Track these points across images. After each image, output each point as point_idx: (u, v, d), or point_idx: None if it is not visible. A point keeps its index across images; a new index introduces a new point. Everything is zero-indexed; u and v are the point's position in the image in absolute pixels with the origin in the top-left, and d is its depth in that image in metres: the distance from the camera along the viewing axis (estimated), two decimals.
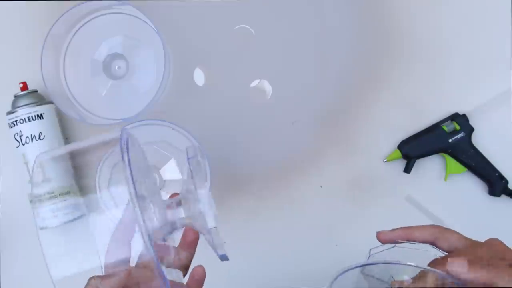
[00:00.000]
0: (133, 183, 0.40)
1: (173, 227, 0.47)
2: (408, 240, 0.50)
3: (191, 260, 0.49)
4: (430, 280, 0.45)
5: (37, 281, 0.72)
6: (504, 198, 0.72)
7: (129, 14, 0.69)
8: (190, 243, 0.49)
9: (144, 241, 0.40)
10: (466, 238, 0.49)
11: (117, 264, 0.44)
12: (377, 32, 0.73)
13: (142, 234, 0.40)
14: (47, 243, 0.44)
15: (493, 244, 0.47)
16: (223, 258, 0.45)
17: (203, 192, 0.44)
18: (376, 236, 0.51)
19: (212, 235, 0.43)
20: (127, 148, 0.42)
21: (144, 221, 0.40)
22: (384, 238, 0.51)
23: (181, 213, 0.46)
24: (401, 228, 0.50)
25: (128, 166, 0.40)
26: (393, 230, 0.51)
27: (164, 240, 0.47)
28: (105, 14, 0.69)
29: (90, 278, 0.44)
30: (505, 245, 0.47)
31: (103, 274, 0.44)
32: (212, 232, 0.43)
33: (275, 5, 0.72)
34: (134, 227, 0.43)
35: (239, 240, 0.70)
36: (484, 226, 0.71)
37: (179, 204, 0.47)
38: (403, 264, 0.47)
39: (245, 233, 0.72)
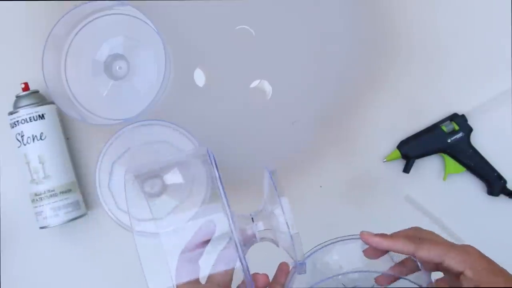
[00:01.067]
0: (226, 199, 0.44)
1: (252, 241, 0.49)
2: (391, 250, 0.50)
3: None
4: None
5: (37, 281, 0.73)
6: (502, 197, 0.72)
7: (129, 15, 0.69)
8: None
9: (239, 256, 0.44)
10: (441, 245, 0.48)
11: (187, 283, 0.46)
12: (376, 32, 0.73)
13: (237, 246, 0.43)
14: (145, 255, 0.45)
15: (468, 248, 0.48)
16: (302, 267, 0.47)
17: (285, 200, 0.45)
18: (360, 235, 0.51)
19: (294, 241, 0.45)
20: (216, 165, 0.45)
21: (238, 240, 0.44)
22: (367, 240, 0.51)
23: (259, 226, 0.48)
24: (383, 236, 0.50)
25: (221, 184, 0.44)
26: (376, 235, 0.50)
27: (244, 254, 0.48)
28: (106, 15, 0.69)
29: None
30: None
31: None
32: (295, 238, 0.45)
33: (275, 6, 0.73)
34: (203, 246, 0.46)
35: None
36: (482, 225, 0.72)
37: (257, 217, 0.49)
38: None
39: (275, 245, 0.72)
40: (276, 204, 0.46)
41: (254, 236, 0.49)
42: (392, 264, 0.52)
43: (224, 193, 0.44)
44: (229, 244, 0.46)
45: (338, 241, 0.53)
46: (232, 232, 0.44)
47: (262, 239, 0.49)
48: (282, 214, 0.46)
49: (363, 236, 0.51)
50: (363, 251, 0.52)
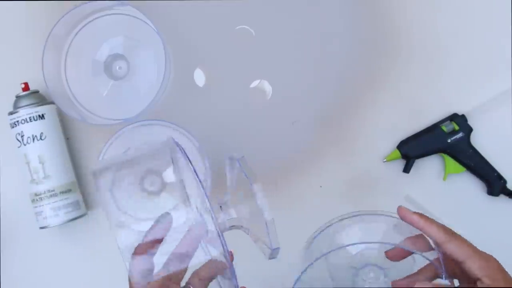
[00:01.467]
0: (203, 189, 0.43)
1: (222, 229, 0.48)
2: (424, 232, 0.50)
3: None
4: None
5: (37, 281, 0.73)
6: (502, 197, 0.72)
7: (129, 15, 0.69)
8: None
9: (222, 245, 0.43)
10: (469, 247, 0.48)
11: (141, 277, 0.45)
12: (376, 32, 0.73)
13: (219, 235, 0.43)
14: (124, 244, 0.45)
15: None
16: (275, 253, 0.47)
17: (259, 187, 0.45)
18: (398, 210, 0.51)
19: (269, 227, 0.45)
20: (183, 151, 0.45)
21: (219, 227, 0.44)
22: (404, 215, 0.50)
23: (231, 214, 0.48)
24: (421, 216, 0.50)
25: (194, 172, 0.44)
26: (414, 213, 0.50)
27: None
28: (106, 15, 0.69)
29: None
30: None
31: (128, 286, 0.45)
32: (269, 224, 0.45)
33: (275, 6, 0.73)
34: (159, 241, 0.45)
35: (239, 240, 0.70)
36: (482, 225, 0.72)
37: (225, 206, 0.48)
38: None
39: (245, 233, 0.72)
40: (248, 191, 0.46)
41: (224, 224, 0.48)
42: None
43: (200, 181, 0.43)
44: (189, 234, 0.46)
45: (362, 214, 0.52)
46: (213, 223, 0.43)
47: (232, 227, 0.49)
48: (255, 201, 0.45)
49: (401, 211, 0.50)
50: (385, 252, 0.51)
